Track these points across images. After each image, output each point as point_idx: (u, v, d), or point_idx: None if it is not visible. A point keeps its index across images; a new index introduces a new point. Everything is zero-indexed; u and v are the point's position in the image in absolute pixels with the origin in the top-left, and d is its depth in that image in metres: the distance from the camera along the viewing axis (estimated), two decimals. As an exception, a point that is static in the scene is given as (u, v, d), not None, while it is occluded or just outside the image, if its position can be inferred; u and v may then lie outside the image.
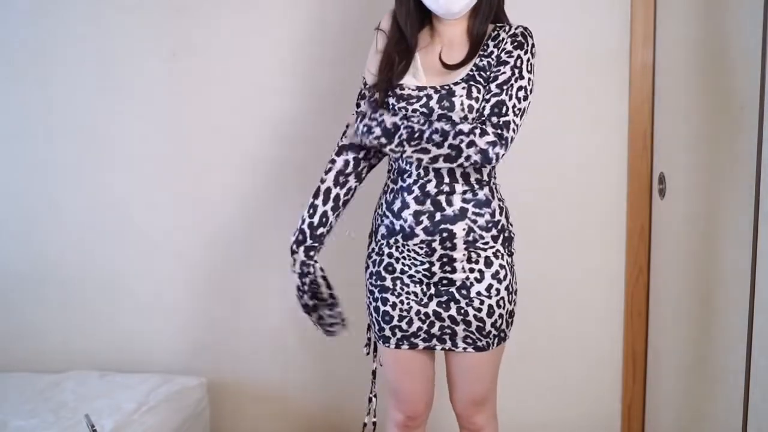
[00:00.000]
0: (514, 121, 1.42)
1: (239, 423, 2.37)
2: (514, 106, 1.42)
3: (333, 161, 1.60)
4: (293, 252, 1.60)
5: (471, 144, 1.39)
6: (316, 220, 1.58)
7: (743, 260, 1.43)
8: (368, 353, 1.73)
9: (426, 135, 1.41)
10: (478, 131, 1.40)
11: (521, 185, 2.10)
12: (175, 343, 2.35)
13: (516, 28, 1.51)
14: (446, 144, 1.40)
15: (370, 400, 1.75)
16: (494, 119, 1.41)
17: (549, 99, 2.08)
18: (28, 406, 2.02)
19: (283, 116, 2.21)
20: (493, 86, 1.45)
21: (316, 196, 1.59)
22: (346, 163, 1.59)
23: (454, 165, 1.42)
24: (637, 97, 2.08)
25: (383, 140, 1.45)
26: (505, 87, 1.44)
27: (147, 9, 2.20)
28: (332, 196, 1.59)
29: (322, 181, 1.60)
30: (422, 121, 1.44)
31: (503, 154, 1.41)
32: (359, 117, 1.50)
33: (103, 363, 2.34)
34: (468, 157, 1.40)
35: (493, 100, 1.43)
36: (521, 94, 1.44)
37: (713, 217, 1.63)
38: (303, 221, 1.60)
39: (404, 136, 1.43)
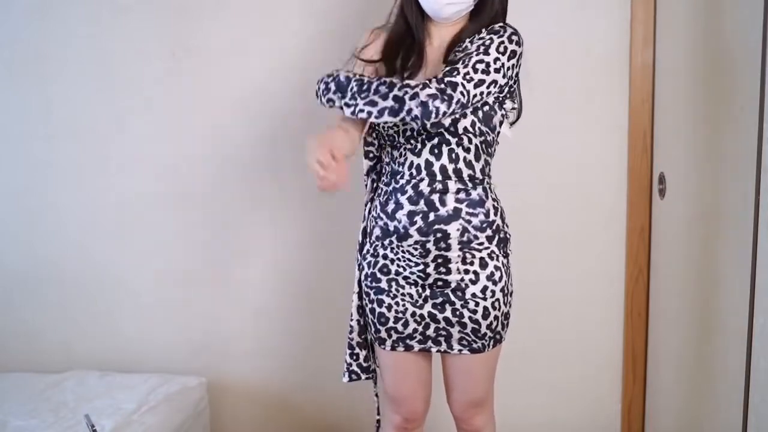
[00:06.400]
0: (463, 85, 1.40)
1: (239, 423, 2.37)
2: (467, 74, 1.41)
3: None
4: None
5: (414, 96, 1.38)
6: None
7: (743, 260, 1.43)
8: None
9: (374, 86, 1.41)
10: (421, 86, 1.39)
11: (521, 185, 2.10)
12: (175, 343, 2.35)
13: (498, 24, 1.51)
14: (391, 95, 1.39)
15: (377, 395, 1.75)
16: (440, 76, 1.41)
17: (549, 99, 2.08)
18: (28, 406, 2.02)
19: (283, 117, 2.21)
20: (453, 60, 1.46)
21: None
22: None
23: (397, 119, 1.40)
24: (637, 97, 2.08)
25: (339, 94, 1.45)
26: (464, 58, 1.43)
27: (147, 9, 2.20)
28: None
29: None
30: (374, 76, 1.46)
31: (445, 111, 1.38)
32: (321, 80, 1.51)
33: (103, 363, 2.34)
34: (410, 110, 1.38)
35: (448, 67, 1.43)
36: (480, 66, 1.42)
37: (713, 217, 1.63)
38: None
39: (355, 89, 1.43)
